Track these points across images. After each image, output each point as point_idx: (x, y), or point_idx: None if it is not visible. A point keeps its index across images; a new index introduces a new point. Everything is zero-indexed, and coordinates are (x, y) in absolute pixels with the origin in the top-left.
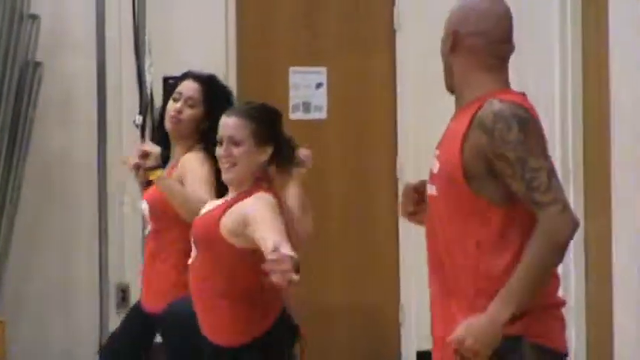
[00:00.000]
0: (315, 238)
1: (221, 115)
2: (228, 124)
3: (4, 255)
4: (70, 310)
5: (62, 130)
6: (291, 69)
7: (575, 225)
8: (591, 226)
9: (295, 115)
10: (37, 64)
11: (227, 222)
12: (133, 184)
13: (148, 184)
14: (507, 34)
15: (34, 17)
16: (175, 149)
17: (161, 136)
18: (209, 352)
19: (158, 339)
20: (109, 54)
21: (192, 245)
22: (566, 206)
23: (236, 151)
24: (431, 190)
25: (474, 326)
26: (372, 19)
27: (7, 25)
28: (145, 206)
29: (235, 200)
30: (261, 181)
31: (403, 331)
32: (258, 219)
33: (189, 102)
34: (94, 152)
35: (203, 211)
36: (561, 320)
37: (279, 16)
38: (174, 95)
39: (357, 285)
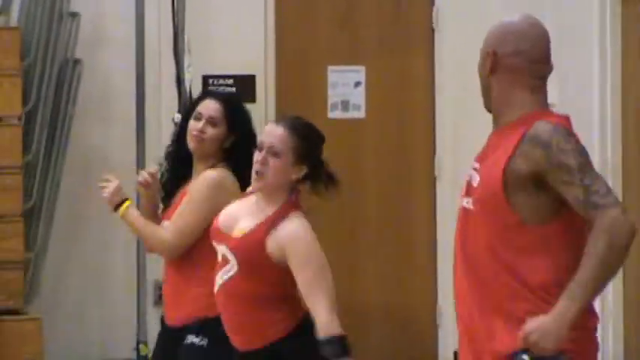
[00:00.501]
0: (351, 238)
1: (244, 133)
2: (273, 133)
3: (42, 251)
4: (107, 306)
5: (101, 127)
6: (330, 68)
7: (634, 230)
8: None
9: (333, 114)
10: (77, 62)
11: (272, 247)
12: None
13: (165, 203)
14: (546, 54)
15: (74, 15)
16: (197, 167)
17: (179, 152)
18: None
19: None
20: (148, 52)
21: (225, 261)
22: (625, 210)
23: (272, 162)
24: (466, 203)
25: (541, 323)
26: (411, 18)
27: (48, 23)
28: (166, 225)
29: (273, 220)
30: (295, 197)
31: (441, 333)
32: (302, 272)
33: (211, 121)
34: (133, 150)
35: (241, 226)
36: (596, 344)
37: (317, 15)
38: (196, 115)
39: (394, 286)
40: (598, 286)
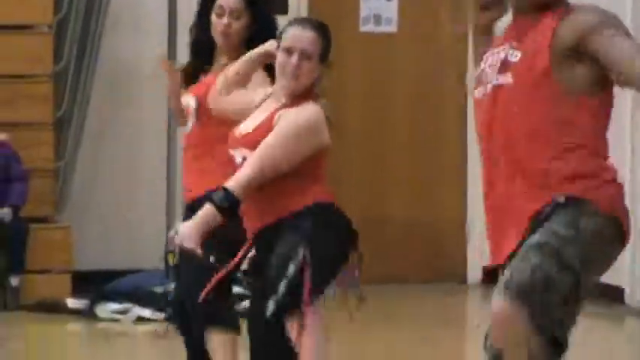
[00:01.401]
0: (382, 156)
1: (265, 21)
2: (305, 37)
3: (72, 160)
4: (135, 216)
5: (131, 39)
6: None
7: None
8: None
9: (365, 28)
10: None
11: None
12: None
13: (190, 79)
14: None
15: None
16: (221, 59)
17: (201, 48)
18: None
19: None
20: None
21: (239, 158)
22: None
23: (306, 64)
24: (500, 79)
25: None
26: None
27: None
28: (192, 102)
29: (286, 106)
30: (310, 92)
31: (469, 249)
32: (281, 127)
33: (235, 14)
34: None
35: (251, 123)
36: (616, 191)
37: None
38: (217, 10)
39: (424, 203)
40: None
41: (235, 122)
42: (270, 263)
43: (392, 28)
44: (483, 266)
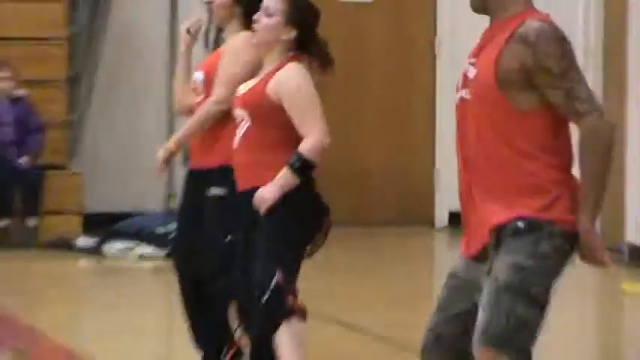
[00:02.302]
0: (358, 109)
1: None
2: (269, 3)
3: (83, 115)
4: (141, 164)
5: (138, 5)
6: None
7: (614, 126)
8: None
9: None
10: None
11: (271, 92)
12: (199, 49)
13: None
14: None
15: None
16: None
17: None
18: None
19: None
20: None
21: (241, 119)
22: (603, 113)
23: (264, 19)
24: (464, 94)
25: (581, 244)
26: None
27: None
28: (199, 76)
29: (272, 72)
30: (292, 56)
31: (437, 194)
32: (289, 102)
33: None
34: (166, 25)
35: (246, 85)
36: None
37: None
38: None
39: (396, 153)
40: (604, 190)
41: None
42: (255, 267)
43: None
44: (450, 212)
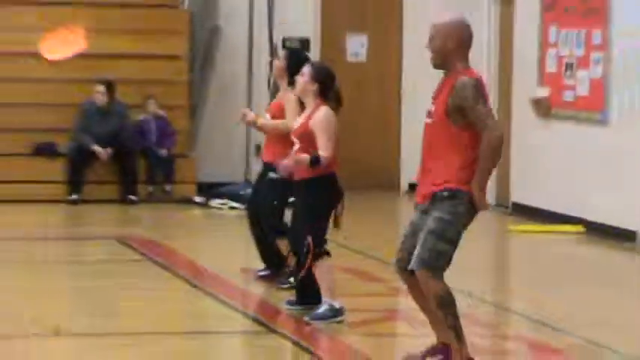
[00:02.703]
0: (354, 121)
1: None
2: (305, 69)
3: (198, 126)
4: (230, 154)
5: (241, 31)
6: None
7: (501, 136)
8: None
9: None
10: None
11: (311, 126)
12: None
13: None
14: (471, 40)
15: None
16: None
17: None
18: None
19: None
20: None
21: (295, 141)
22: (496, 128)
23: (300, 79)
24: (428, 120)
25: (474, 200)
26: None
27: None
28: (267, 116)
29: (310, 113)
30: (320, 101)
31: (402, 171)
32: (317, 129)
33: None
34: (245, 68)
35: (298, 122)
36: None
37: None
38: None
39: (379, 146)
40: (490, 173)
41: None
42: (297, 228)
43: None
44: (409, 183)
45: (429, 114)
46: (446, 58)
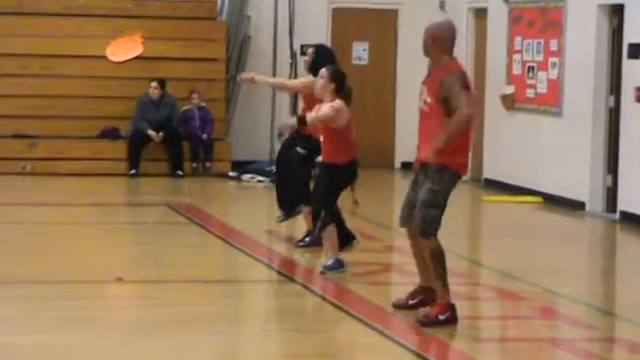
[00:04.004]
0: (358, 107)
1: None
2: (322, 71)
3: (232, 114)
4: (256, 134)
5: (267, 38)
6: None
7: (470, 116)
8: None
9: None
10: None
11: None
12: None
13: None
14: (455, 36)
15: None
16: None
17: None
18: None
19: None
20: None
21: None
22: (468, 108)
23: (320, 80)
24: (424, 106)
25: (433, 141)
26: None
27: None
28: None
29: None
30: (337, 96)
31: (397, 151)
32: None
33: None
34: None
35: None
36: (461, 169)
37: None
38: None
39: (379, 126)
40: (449, 138)
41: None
42: (318, 197)
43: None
44: (402, 162)
45: (425, 103)
46: (433, 51)
